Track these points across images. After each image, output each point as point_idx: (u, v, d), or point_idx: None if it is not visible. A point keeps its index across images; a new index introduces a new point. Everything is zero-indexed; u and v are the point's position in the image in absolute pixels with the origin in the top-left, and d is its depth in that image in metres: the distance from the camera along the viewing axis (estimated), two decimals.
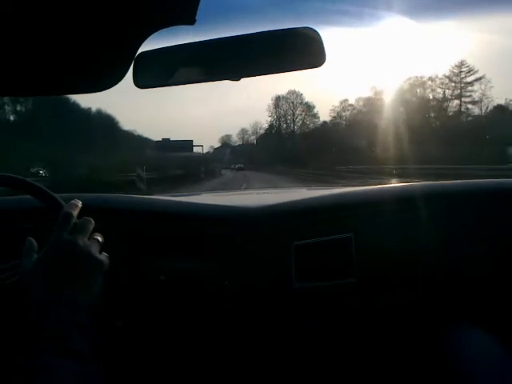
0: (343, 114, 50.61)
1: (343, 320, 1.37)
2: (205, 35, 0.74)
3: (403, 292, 1.35)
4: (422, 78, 40.88)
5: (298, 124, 62.08)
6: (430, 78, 39.96)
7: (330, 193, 1.70)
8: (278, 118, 63.37)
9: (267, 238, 1.35)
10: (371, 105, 43.89)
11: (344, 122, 49.00)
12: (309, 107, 60.92)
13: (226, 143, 73.99)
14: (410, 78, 40.64)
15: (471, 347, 1.06)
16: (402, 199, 1.44)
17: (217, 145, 75.46)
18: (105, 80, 0.80)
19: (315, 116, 60.18)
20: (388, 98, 41.38)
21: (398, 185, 1.65)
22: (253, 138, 69.18)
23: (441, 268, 1.34)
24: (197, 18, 0.66)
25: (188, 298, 1.33)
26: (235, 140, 73.06)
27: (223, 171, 42.55)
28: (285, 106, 62.70)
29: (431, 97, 39.98)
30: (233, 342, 1.36)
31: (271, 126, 64.65)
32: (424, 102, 38.56)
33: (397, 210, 1.39)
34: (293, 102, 61.79)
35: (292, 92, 62.51)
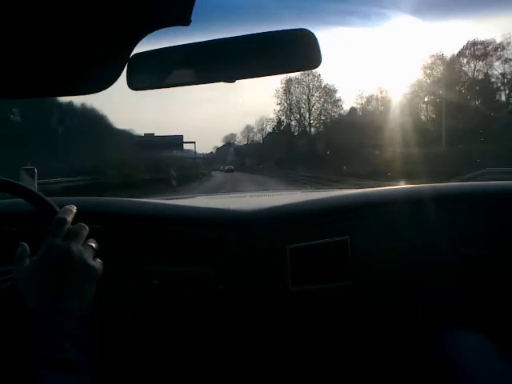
0: (379, 96, 37.01)
1: (339, 322, 1.36)
2: (200, 36, 0.73)
3: (399, 294, 1.35)
4: (490, 43, 28.43)
5: (315, 114, 46.84)
6: (501, 45, 27.91)
7: (326, 196, 1.69)
8: (290, 107, 48.57)
9: (262, 241, 1.34)
10: (418, 84, 31.86)
11: (381, 108, 34.90)
12: (329, 91, 46.06)
13: (228, 142, 63.19)
14: (474, 44, 29.20)
15: (468, 350, 1.06)
16: (398, 202, 1.44)
17: (220, 145, 65.32)
18: (99, 82, 0.79)
19: (337, 103, 45.77)
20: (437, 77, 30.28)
21: (394, 187, 1.65)
22: (259, 136, 56.06)
23: (437, 270, 1.34)
24: (192, 18, 0.65)
25: (182, 302, 1.32)
26: (240, 139, 61.21)
27: (213, 172, 39.09)
28: (298, 91, 47.67)
29: (502, 71, 27.92)
30: (228, 346, 1.35)
31: (279, 122, 50.69)
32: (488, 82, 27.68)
33: (393, 213, 1.39)
34: (308, 86, 46.59)
35: (307, 72, 43.83)
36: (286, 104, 48.90)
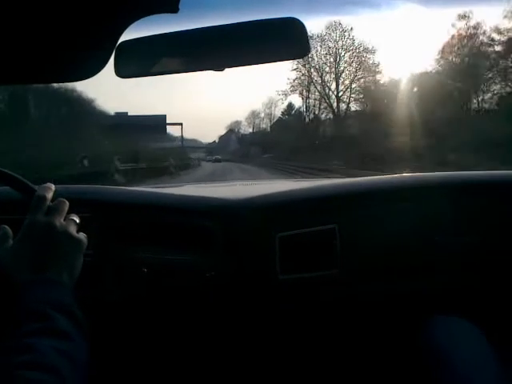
0: (450, 57, 24.17)
1: (328, 310, 1.38)
2: (188, 24, 0.73)
3: (387, 282, 1.37)
4: None
5: (346, 82, 32.16)
6: None
7: (315, 184, 1.70)
8: (309, 75, 33.41)
9: (251, 229, 1.34)
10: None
11: (448, 66, 23.14)
12: (364, 51, 31.07)
13: (231, 129, 55.89)
14: None
15: (454, 338, 1.08)
16: (386, 191, 1.45)
17: (223, 133, 59.21)
18: (86, 69, 0.79)
19: (375, 69, 31.16)
20: None
21: (381, 177, 1.66)
22: (266, 122, 45.97)
23: (425, 259, 1.36)
24: (180, 6, 0.64)
25: (171, 290, 1.32)
26: (245, 127, 52.50)
27: (203, 163, 34.75)
28: (321, 52, 32.54)
29: None
30: (218, 334, 1.36)
31: (290, 105, 38.13)
32: None
33: (380, 202, 1.40)
34: (336, 42, 32.15)
35: (334, 26, 31.84)
36: (304, 70, 34.33)
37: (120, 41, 0.72)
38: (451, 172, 1.57)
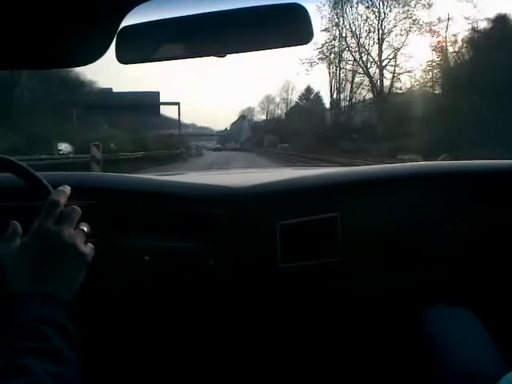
0: None
1: (330, 299, 1.38)
2: (190, 9, 0.72)
3: (390, 271, 1.37)
4: None
5: (396, 44, 24.09)
6: None
7: (316, 173, 1.70)
8: (342, 35, 25.36)
9: (252, 217, 1.34)
10: None
11: None
12: (418, 7, 22.85)
13: (243, 115, 50.34)
14: None
15: (455, 327, 1.08)
16: (388, 179, 1.45)
17: (235, 120, 54.25)
18: (87, 55, 0.78)
19: (432, 29, 22.21)
20: None
21: (383, 165, 1.66)
22: (282, 108, 40.59)
23: (427, 247, 1.36)
24: None
25: (173, 278, 1.32)
26: (259, 115, 46.77)
27: (205, 152, 32.28)
28: (358, 9, 26.36)
29: None
30: (219, 322, 1.37)
31: (308, 89, 32.44)
32: None
33: (383, 190, 1.40)
34: None
35: None
36: (336, 31, 25.64)
37: (121, 26, 0.72)
38: (458, 161, 1.56)
